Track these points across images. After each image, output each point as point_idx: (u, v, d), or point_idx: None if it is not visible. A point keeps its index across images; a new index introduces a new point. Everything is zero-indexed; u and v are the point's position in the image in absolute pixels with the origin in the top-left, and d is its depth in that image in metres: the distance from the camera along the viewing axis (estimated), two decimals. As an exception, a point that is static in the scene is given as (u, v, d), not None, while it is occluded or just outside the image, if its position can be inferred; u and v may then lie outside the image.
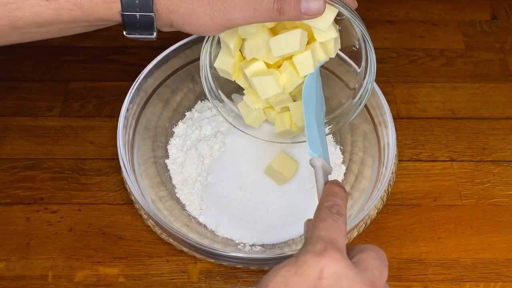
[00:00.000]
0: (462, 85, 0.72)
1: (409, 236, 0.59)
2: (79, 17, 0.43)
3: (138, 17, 0.44)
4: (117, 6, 0.43)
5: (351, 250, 0.38)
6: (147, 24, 0.44)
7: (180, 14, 0.43)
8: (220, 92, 0.59)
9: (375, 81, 0.60)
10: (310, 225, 0.39)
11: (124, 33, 0.45)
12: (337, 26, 0.53)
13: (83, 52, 0.74)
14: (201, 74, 0.56)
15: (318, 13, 0.44)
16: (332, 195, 0.40)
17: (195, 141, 0.63)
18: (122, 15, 0.44)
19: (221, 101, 0.60)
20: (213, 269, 0.56)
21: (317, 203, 0.41)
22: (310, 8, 0.43)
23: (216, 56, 0.54)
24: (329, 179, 0.44)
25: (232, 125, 0.61)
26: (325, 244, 0.36)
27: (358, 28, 0.49)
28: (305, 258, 0.35)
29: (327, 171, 0.45)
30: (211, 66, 0.56)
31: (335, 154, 0.63)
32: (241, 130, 0.61)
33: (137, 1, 0.43)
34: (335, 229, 0.37)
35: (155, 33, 0.45)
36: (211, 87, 0.58)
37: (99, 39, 0.75)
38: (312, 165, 0.45)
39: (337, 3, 0.47)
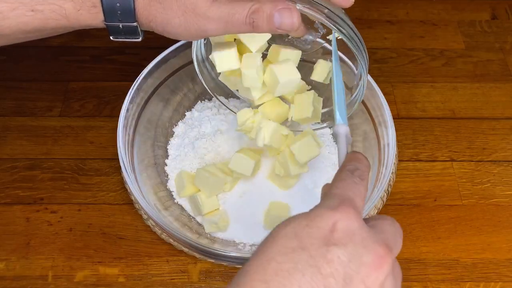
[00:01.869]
0: (462, 85, 0.72)
1: (409, 236, 0.59)
2: (65, 25, 0.44)
3: (121, 27, 0.45)
4: (101, 16, 0.44)
5: (367, 220, 0.37)
6: (131, 31, 0.45)
7: (159, 23, 0.44)
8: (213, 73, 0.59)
9: (375, 81, 0.60)
10: (327, 188, 0.38)
11: (111, 37, 0.46)
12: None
13: (83, 52, 0.74)
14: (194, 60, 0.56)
15: (292, 28, 0.43)
16: (355, 160, 0.39)
17: (193, 139, 0.63)
18: (106, 24, 0.44)
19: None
20: (213, 269, 0.56)
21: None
22: (284, 24, 0.43)
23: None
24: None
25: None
26: (340, 201, 0.34)
27: (344, 37, 0.48)
28: (318, 211, 0.34)
29: (349, 140, 0.44)
30: (207, 58, 0.56)
31: (335, 154, 0.63)
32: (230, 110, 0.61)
33: (119, 12, 0.43)
34: (354, 190, 0.36)
35: (140, 37, 0.46)
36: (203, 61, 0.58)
37: (99, 39, 0.75)
38: (336, 133, 0.44)
39: (317, 13, 0.45)
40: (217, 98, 0.60)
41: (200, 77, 0.57)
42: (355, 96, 0.55)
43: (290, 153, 0.57)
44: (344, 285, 0.31)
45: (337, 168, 0.40)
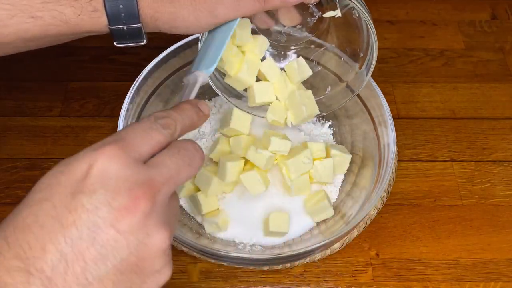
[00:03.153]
0: (462, 85, 0.72)
1: (409, 236, 0.59)
2: (66, 32, 0.43)
3: (125, 29, 0.44)
4: (104, 20, 0.43)
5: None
6: (135, 33, 0.45)
7: (165, 20, 0.44)
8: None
9: (375, 81, 0.60)
10: None
11: (115, 43, 0.46)
12: None
13: (83, 52, 0.74)
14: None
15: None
16: (176, 109, 0.36)
17: (193, 139, 0.63)
18: (110, 28, 0.44)
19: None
20: (213, 269, 0.56)
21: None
22: None
23: None
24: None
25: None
26: (111, 141, 0.31)
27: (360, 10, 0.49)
28: (79, 154, 0.31)
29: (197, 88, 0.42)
30: None
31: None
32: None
33: (123, 14, 0.43)
34: (140, 132, 0.33)
35: (144, 40, 0.46)
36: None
37: (99, 39, 0.74)
38: (193, 80, 0.42)
39: None
40: (228, 100, 0.59)
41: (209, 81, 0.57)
42: (369, 58, 0.55)
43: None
44: (89, 233, 0.29)
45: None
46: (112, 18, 0.43)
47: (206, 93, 0.67)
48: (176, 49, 0.62)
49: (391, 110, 0.59)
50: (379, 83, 0.60)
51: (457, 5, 0.81)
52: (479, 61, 0.75)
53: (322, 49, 0.57)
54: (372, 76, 0.60)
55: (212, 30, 0.47)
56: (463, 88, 0.72)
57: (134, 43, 0.46)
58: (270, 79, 0.55)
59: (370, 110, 0.61)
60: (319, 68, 0.59)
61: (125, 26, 0.44)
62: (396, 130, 0.58)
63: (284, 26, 0.55)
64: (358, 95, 0.62)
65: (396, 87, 0.72)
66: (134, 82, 0.60)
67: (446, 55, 0.76)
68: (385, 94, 0.60)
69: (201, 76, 0.43)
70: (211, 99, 0.68)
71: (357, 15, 0.52)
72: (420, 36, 0.78)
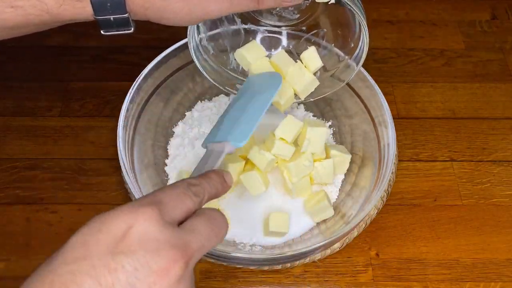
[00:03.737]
0: (462, 85, 0.72)
1: (409, 236, 0.59)
2: (49, 21, 0.43)
3: (112, 19, 0.43)
4: (89, 10, 0.42)
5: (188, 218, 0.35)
6: (123, 23, 0.44)
7: (156, 10, 0.43)
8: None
9: (375, 81, 0.60)
10: None
11: (101, 31, 0.45)
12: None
13: (83, 52, 0.74)
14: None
15: (298, 0, 0.43)
16: (206, 178, 0.37)
17: (193, 139, 0.63)
18: (96, 18, 0.43)
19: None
20: (213, 269, 0.56)
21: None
22: None
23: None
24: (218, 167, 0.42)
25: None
26: (148, 202, 0.32)
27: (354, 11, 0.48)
28: (116, 212, 0.31)
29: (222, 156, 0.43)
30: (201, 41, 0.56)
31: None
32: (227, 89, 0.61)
33: (108, 4, 0.42)
34: (174, 198, 0.34)
35: (132, 28, 0.45)
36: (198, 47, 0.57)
37: (99, 39, 0.75)
38: (221, 149, 0.43)
39: None
40: (218, 85, 0.59)
41: (198, 65, 0.56)
42: (357, 54, 0.55)
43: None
44: None
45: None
46: (97, 8, 0.42)
47: (207, 93, 0.67)
48: (176, 49, 0.62)
49: (391, 110, 0.59)
50: (379, 83, 0.60)
51: (457, 5, 0.81)
52: (479, 61, 0.75)
53: (309, 34, 0.57)
54: (372, 76, 0.60)
55: (246, 93, 0.49)
56: (463, 88, 0.72)
57: (121, 31, 0.45)
58: (284, 70, 0.55)
59: (370, 110, 0.61)
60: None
61: (111, 16, 0.43)
62: (396, 130, 0.58)
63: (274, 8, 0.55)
64: (358, 95, 0.62)
65: (396, 87, 0.72)
66: (134, 82, 0.60)
67: (446, 55, 0.76)
68: (385, 94, 0.60)
69: (229, 148, 0.44)
70: (211, 99, 0.68)
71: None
72: (420, 36, 0.78)
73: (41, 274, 0.30)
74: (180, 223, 0.34)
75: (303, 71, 0.56)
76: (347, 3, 0.47)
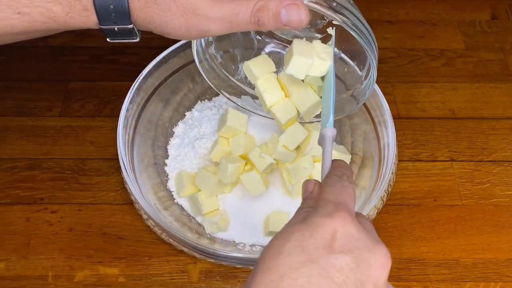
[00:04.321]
0: (462, 85, 0.72)
1: (409, 236, 0.59)
2: (54, 28, 0.43)
3: (116, 29, 0.43)
4: (94, 19, 0.43)
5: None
6: (127, 33, 0.44)
7: (157, 25, 0.43)
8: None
9: (375, 81, 0.60)
10: (310, 186, 0.39)
11: (107, 39, 0.45)
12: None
13: (83, 52, 0.74)
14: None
15: (300, 25, 0.42)
16: (340, 166, 0.40)
17: (193, 139, 0.63)
18: (101, 27, 0.43)
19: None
20: (213, 269, 0.56)
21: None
22: (291, 21, 0.42)
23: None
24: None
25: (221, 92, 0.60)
26: (335, 206, 0.35)
27: (361, 41, 0.48)
28: (318, 221, 0.34)
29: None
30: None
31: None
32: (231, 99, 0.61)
33: (113, 15, 0.42)
34: (344, 194, 0.37)
35: (138, 38, 0.45)
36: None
37: (99, 39, 0.75)
38: (324, 135, 0.44)
39: (325, 9, 0.44)
40: (224, 95, 0.59)
41: (203, 73, 0.57)
42: (363, 88, 0.55)
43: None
44: None
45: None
46: (102, 18, 0.42)
47: (207, 93, 0.67)
48: (176, 49, 0.63)
49: (391, 110, 0.59)
50: (379, 83, 0.60)
51: (457, 5, 0.81)
52: (479, 61, 0.75)
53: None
54: (372, 76, 0.60)
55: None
56: (463, 88, 0.72)
57: (127, 39, 0.45)
58: (290, 89, 0.55)
59: (370, 110, 0.61)
60: None
61: (115, 26, 0.43)
62: (396, 130, 0.58)
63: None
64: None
65: (396, 87, 0.72)
66: (134, 82, 0.60)
67: (446, 55, 0.76)
68: (385, 94, 0.60)
69: (328, 130, 0.45)
70: (211, 99, 0.68)
71: None
72: (420, 36, 0.78)
73: (270, 279, 0.32)
74: None
75: (309, 93, 0.55)
76: (361, 41, 0.46)
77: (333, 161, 0.42)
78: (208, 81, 0.58)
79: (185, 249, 0.56)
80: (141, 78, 0.61)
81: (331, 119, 0.45)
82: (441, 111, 0.70)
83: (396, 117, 0.65)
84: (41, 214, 0.59)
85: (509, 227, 0.60)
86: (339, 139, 0.65)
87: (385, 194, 0.60)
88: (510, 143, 0.67)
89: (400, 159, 0.65)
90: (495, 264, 0.57)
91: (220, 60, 0.58)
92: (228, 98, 0.61)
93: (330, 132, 0.44)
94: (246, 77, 0.57)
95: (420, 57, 0.75)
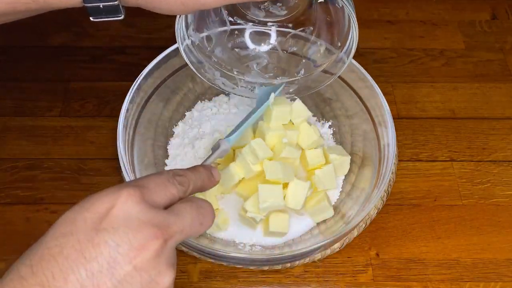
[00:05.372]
0: (462, 85, 0.72)
1: (409, 236, 0.59)
2: (35, 8, 0.42)
3: (101, 6, 0.43)
4: None
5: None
6: (112, 10, 0.43)
7: (148, 0, 0.42)
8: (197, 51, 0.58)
9: (375, 81, 0.60)
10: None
11: (90, 18, 0.44)
12: None
13: (83, 52, 0.74)
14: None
15: None
16: (193, 170, 0.40)
17: (193, 139, 0.63)
18: (85, 5, 0.42)
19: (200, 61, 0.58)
20: (213, 269, 0.56)
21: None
22: None
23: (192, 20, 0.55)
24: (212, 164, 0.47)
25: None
26: (132, 185, 0.34)
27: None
28: (102, 193, 0.34)
29: (220, 155, 0.49)
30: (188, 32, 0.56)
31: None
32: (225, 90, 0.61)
33: None
34: (159, 184, 0.36)
35: (122, 15, 0.44)
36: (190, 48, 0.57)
37: (99, 39, 0.75)
38: (218, 145, 0.48)
39: None
40: (203, 78, 0.58)
41: (185, 57, 0.56)
42: (347, 46, 0.54)
43: None
44: (108, 268, 0.32)
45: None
46: None
47: (207, 93, 0.67)
48: (176, 49, 0.62)
49: (391, 110, 0.59)
50: (379, 83, 0.60)
51: (457, 5, 0.81)
52: (479, 61, 0.75)
53: (297, 30, 0.56)
54: (372, 76, 0.60)
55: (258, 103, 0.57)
56: (463, 88, 0.72)
57: (111, 18, 0.44)
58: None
59: (370, 110, 0.61)
60: (294, 48, 0.58)
61: (101, 4, 0.42)
62: (396, 130, 0.58)
63: (265, 1, 0.54)
64: (358, 95, 0.62)
65: (396, 87, 0.72)
66: (134, 82, 0.60)
67: (446, 55, 0.76)
68: (385, 94, 0.60)
69: (224, 143, 0.49)
70: (211, 99, 0.68)
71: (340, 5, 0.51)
72: (420, 36, 0.78)
73: (34, 247, 0.33)
74: (166, 208, 0.36)
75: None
76: None
77: (201, 164, 0.43)
78: (188, 63, 0.57)
79: (185, 249, 0.56)
80: (141, 78, 0.61)
81: (233, 137, 0.51)
82: (441, 111, 0.70)
83: (396, 117, 0.65)
84: (41, 214, 0.59)
85: (509, 227, 0.60)
86: (339, 139, 0.65)
87: (385, 194, 0.60)
88: (510, 143, 0.67)
89: (400, 159, 0.65)
90: (495, 264, 0.57)
91: (197, 42, 0.57)
92: (208, 81, 0.59)
93: (224, 146, 0.49)
94: (221, 61, 0.58)
95: (420, 57, 0.75)
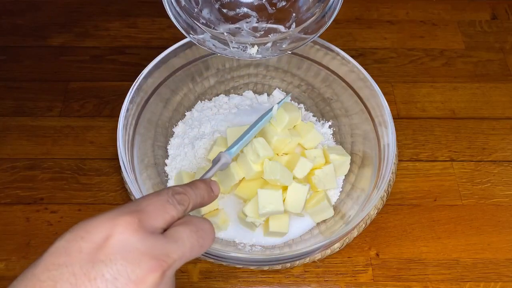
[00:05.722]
0: (462, 85, 0.72)
1: (409, 236, 0.59)
2: None
3: None
4: None
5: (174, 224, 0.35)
6: None
7: None
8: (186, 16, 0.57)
9: (375, 81, 0.60)
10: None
11: None
12: None
13: (83, 52, 0.74)
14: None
15: None
16: (192, 187, 0.38)
17: (193, 139, 0.63)
18: None
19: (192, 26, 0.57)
20: (213, 269, 0.56)
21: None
22: None
23: None
24: (212, 178, 0.45)
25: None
26: (130, 211, 0.33)
27: None
28: (98, 220, 0.32)
29: (221, 168, 0.48)
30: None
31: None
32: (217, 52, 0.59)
33: None
34: (157, 206, 0.34)
35: None
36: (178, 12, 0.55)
37: (99, 39, 0.75)
38: (219, 158, 0.48)
39: None
40: (192, 39, 0.57)
41: (173, 19, 0.54)
42: (331, 5, 0.53)
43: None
44: None
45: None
46: None
47: (207, 93, 0.67)
48: (176, 49, 0.62)
49: (391, 110, 0.59)
50: (379, 83, 0.60)
51: (457, 5, 0.81)
52: (479, 61, 0.75)
53: None
54: (372, 76, 0.60)
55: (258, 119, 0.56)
56: (463, 88, 0.72)
57: None
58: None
59: (370, 110, 0.61)
60: (283, 3, 0.57)
61: None
62: (396, 130, 0.58)
63: None
64: (358, 95, 0.62)
65: (396, 87, 0.72)
66: (134, 82, 0.60)
67: (446, 55, 0.76)
68: (385, 94, 0.60)
69: (224, 156, 0.49)
70: (211, 99, 0.68)
71: None
72: (420, 36, 0.78)
73: (24, 278, 0.31)
74: (165, 230, 0.34)
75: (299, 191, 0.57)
76: None
77: (202, 179, 0.41)
78: (177, 24, 0.56)
79: (185, 249, 0.56)
80: (141, 78, 0.60)
81: (234, 150, 0.51)
82: (441, 111, 0.70)
83: (396, 117, 0.65)
84: (41, 214, 0.59)
85: (509, 227, 0.60)
86: (339, 139, 0.65)
87: (385, 194, 0.60)
88: (510, 143, 0.67)
89: (400, 159, 0.65)
90: (495, 264, 0.57)
91: (183, 3, 0.56)
92: (199, 44, 0.58)
93: (225, 159, 0.48)
94: (209, 22, 0.57)
95: (420, 57, 0.75)
